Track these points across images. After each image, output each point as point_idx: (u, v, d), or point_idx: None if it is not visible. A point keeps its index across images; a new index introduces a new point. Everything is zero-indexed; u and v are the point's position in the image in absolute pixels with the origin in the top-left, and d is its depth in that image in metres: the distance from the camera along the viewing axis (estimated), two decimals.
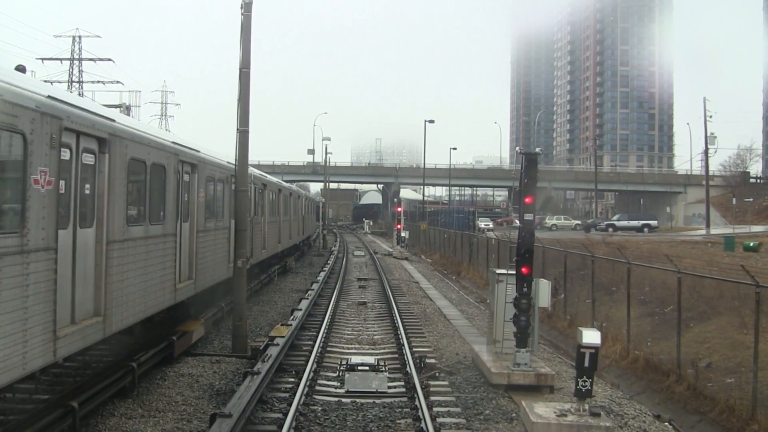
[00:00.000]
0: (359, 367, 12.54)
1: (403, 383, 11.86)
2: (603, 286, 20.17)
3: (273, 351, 12.17)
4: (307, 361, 12.79)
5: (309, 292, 21.48)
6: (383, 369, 12.70)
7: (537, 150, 11.82)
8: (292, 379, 11.81)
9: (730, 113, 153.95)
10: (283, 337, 13.27)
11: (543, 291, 12.68)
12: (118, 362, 10.65)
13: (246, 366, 12.73)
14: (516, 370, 11.71)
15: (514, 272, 12.35)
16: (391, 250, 51.33)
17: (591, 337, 9.16)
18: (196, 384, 11.34)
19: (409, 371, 12.33)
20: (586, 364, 9.19)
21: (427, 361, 13.19)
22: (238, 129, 13.90)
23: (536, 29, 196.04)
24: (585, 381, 9.27)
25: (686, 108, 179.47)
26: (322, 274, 28.30)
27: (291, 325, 14.61)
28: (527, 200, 11.57)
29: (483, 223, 72.68)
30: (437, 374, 12.62)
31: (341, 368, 12.74)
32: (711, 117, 68.26)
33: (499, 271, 13.27)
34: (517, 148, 11.63)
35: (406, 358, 13.34)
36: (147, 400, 10.34)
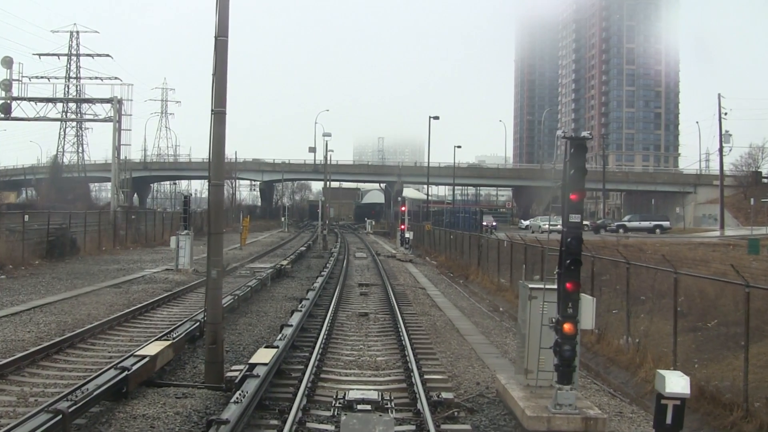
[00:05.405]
0: (359, 405, 10.05)
1: (414, 427, 9.41)
2: (630, 294, 17.87)
3: (251, 385, 9.72)
4: (295, 395, 10.33)
5: (304, 301, 18.99)
6: (389, 407, 10.23)
7: (585, 133, 9.24)
8: (275, 422, 9.36)
9: (740, 111, 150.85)
10: (266, 364, 10.80)
11: (586, 309, 10.12)
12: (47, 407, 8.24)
13: (219, 402, 10.28)
14: (558, 412, 9.20)
15: (551, 287, 9.92)
16: (394, 251, 48.78)
17: (677, 384, 6.61)
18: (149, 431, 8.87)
19: (420, 409, 9.92)
20: (669, 420, 6.68)
21: (443, 395, 10.72)
22: (212, 110, 11.41)
23: (541, 27, 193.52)
24: None
25: (693, 107, 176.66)
26: (320, 279, 25.83)
27: (277, 347, 12.13)
28: (574, 197, 9.06)
29: (542, 222, 63.86)
30: (456, 413, 10.16)
31: (337, 405, 10.26)
32: (726, 114, 65.53)
33: (532, 285, 10.76)
34: (559, 132, 9.11)
35: (416, 390, 10.90)
36: None
